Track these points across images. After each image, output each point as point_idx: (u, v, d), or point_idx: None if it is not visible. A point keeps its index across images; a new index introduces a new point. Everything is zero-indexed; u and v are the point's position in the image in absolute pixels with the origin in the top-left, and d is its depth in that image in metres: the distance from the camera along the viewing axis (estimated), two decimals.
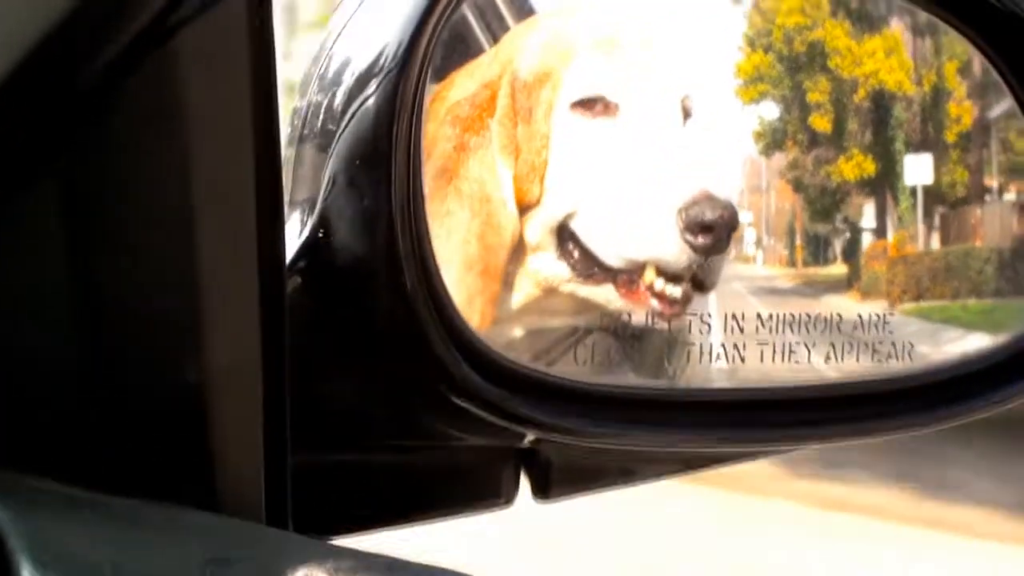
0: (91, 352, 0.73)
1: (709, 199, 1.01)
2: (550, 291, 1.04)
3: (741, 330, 1.02)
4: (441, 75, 1.01)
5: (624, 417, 0.98)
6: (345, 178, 0.90)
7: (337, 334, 0.91)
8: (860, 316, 1.03)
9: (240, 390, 0.75)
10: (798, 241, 1.04)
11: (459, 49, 1.05)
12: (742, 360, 1.02)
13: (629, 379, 1.01)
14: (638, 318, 1.01)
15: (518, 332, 1.03)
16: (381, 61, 0.91)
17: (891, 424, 1.04)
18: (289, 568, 0.56)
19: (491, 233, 1.02)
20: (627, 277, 1.02)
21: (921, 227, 0.98)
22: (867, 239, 1.03)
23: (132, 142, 0.72)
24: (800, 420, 1.02)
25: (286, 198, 0.94)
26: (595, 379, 0.99)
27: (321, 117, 0.94)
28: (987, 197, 0.97)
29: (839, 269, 1.03)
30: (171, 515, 0.68)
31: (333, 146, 0.91)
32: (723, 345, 1.02)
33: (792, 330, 1.02)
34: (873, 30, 0.97)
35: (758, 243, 1.08)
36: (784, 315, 1.02)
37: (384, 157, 0.88)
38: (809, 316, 1.03)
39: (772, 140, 1.00)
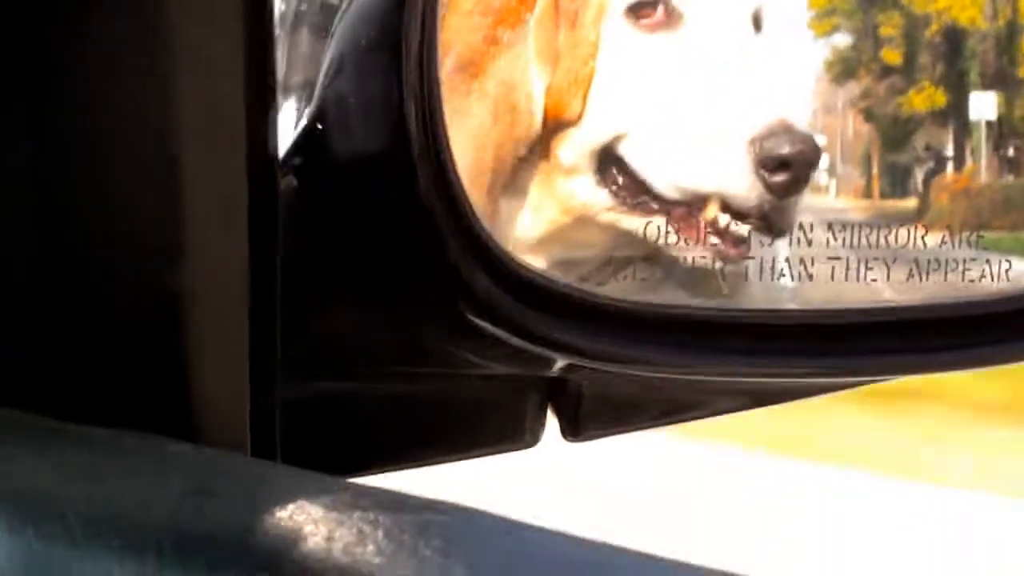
0: (56, 259, 0.73)
1: (787, 130, 1.01)
2: (583, 220, 1.03)
3: (809, 243, 1.02)
4: None
5: (671, 340, 0.97)
6: (348, 62, 0.90)
7: (337, 241, 0.91)
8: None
9: (225, 303, 0.76)
10: (874, 171, 1.09)
11: None
12: (810, 278, 1.01)
13: (678, 298, 1.01)
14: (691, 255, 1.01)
15: (539, 263, 1.02)
16: None
17: (994, 352, 1.03)
18: (280, 501, 0.56)
19: (508, 147, 1.02)
20: (684, 210, 1.02)
21: (994, 160, 1.06)
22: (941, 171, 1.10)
23: (102, 10, 0.72)
24: (883, 347, 1.01)
25: (279, 82, 0.94)
26: (637, 297, 0.99)
27: None
28: None
29: (912, 201, 1.11)
30: (150, 445, 0.68)
31: (335, 25, 0.90)
32: (787, 260, 1.02)
33: (869, 242, 1.02)
34: None
35: (831, 171, 1.07)
36: (859, 227, 1.02)
37: (394, 37, 0.87)
38: (886, 240, 1.02)
39: (844, 69, 1.07)
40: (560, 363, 0.97)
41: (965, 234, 1.04)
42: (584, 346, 0.93)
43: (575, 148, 1.02)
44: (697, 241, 1.01)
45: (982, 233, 1.04)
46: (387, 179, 0.89)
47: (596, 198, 1.03)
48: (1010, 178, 1.08)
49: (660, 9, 1.04)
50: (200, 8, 0.73)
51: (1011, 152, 1.08)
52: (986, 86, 1.07)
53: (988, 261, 1.02)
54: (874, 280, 1.01)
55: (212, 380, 0.76)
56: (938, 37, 1.07)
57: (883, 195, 1.10)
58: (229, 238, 0.75)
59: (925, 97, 1.06)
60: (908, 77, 1.06)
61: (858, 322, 1.00)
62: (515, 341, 0.91)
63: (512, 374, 0.99)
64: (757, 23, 1.06)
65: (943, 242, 1.03)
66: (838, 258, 1.01)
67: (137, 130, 0.73)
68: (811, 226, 1.01)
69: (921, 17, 1.07)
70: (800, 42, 1.07)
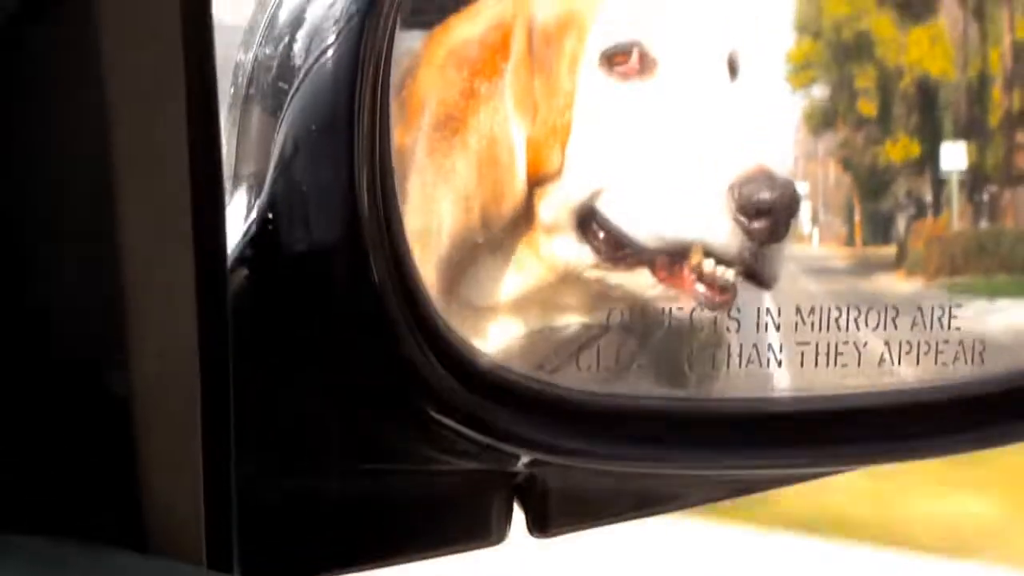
0: None
1: (766, 176, 1.01)
2: (567, 278, 1.04)
3: (777, 327, 1.02)
4: (427, 23, 1.02)
5: (638, 434, 0.97)
6: (299, 148, 0.90)
7: (291, 337, 0.91)
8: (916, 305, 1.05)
9: (175, 405, 0.75)
10: (857, 218, 1.11)
11: None
12: (779, 364, 1.02)
13: (644, 388, 1.01)
14: (668, 309, 1.01)
15: (518, 327, 1.03)
16: (340, 6, 0.90)
17: (962, 439, 1.05)
18: None
19: (494, 205, 1.03)
20: (667, 259, 1.03)
21: (968, 207, 1.11)
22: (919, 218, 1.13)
23: (43, 99, 0.72)
24: (858, 435, 1.02)
25: (228, 172, 0.95)
26: (602, 388, 0.99)
27: (270, 74, 0.94)
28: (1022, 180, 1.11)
29: (893, 248, 1.12)
30: (96, 557, 0.68)
31: (284, 109, 0.91)
32: (755, 345, 1.02)
33: (838, 326, 1.03)
34: (918, 20, 1.09)
35: (814, 219, 1.09)
36: (829, 308, 1.03)
37: (346, 121, 0.87)
38: (859, 309, 1.03)
39: (822, 120, 1.09)
40: (525, 458, 0.97)
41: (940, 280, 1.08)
42: (549, 442, 0.93)
43: (555, 205, 1.03)
44: (683, 290, 1.02)
45: (955, 279, 1.09)
46: (341, 270, 0.89)
47: (579, 255, 1.04)
48: (984, 224, 1.13)
49: (634, 56, 1.05)
50: (143, 96, 0.73)
51: (985, 198, 1.12)
52: (960, 135, 1.12)
53: (961, 342, 1.04)
54: (845, 365, 1.02)
55: (163, 484, 0.76)
56: (911, 88, 1.11)
57: (866, 242, 1.12)
58: (178, 336, 0.75)
59: (900, 148, 1.11)
60: (884, 127, 1.11)
61: (832, 409, 1.01)
62: (477, 437, 0.91)
63: (476, 470, 0.99)
64: (733, 69, 1.08)
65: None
66: (807, 343, 1.02)
67: (79, 225, 0.73)
68: (779, 310, 1.02)
69: (894, 69, 1.11)
70: (779, 94, 1.08)
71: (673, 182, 1.02)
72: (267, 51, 0.95)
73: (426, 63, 1.02)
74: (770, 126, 1.08)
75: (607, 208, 1.03)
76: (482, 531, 1.02)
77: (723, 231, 1.01)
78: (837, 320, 1.02)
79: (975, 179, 1.12)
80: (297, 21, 0.93)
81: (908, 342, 1.04)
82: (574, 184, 1.03)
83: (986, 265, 1.11)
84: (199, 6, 0.74)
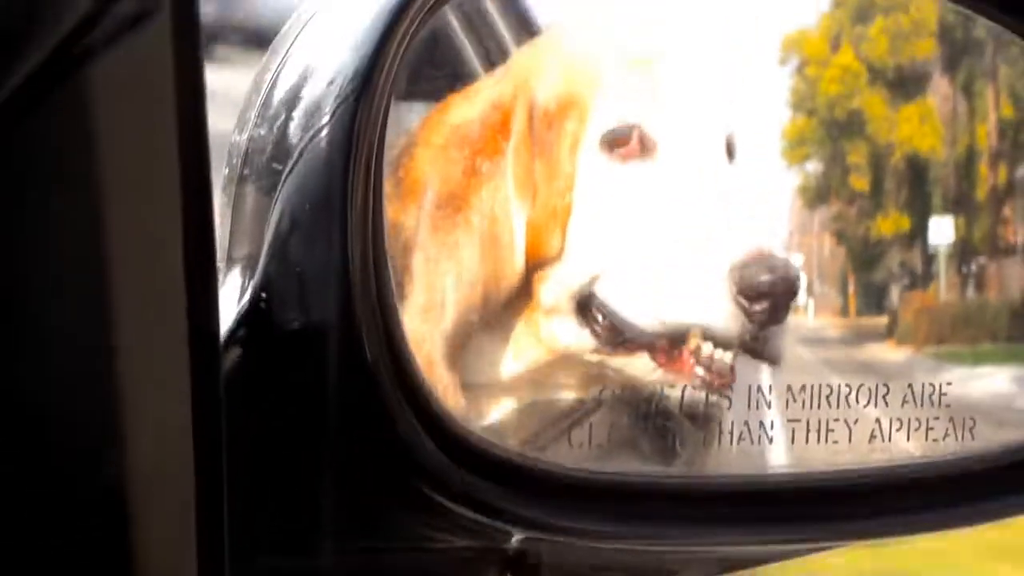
0: None
1: (766, 259, 1.03)
2: (567, 359, 1.05)
3: (768, 405, 1.03)
4: (432, 97, 1.03)
5: (630, 511, 0.98)
6: (293, 228, 0.91)
7: (285, 416, 0.92)
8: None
9: (170, 487, 0.76)
10: (851, 289, 1.17)
11: (445, 68, 1.07)
12: (770, 441, 1.03)
13: (635, 466, 1.02)
14: (667, 391, 1.02)
15: (513, 403, 1.03)
16: (335, 87, 0.91)
17: (956, 514, 1.05)
18: None
19: (495, 283, 1.04)
20: (667, 344, 1.03)
21: (957, 278, 1.17)
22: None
23: (35, 191, 0.72)
24: (829, 513, 1.03)
25: (222, 254, 0.95)
26: (594, 467, 1.00)
27: (264, 155, 0.95)
28: (1007, 252, 1.18)
29: (884, 319, 1.18)
30: None
31: (278, 189, 0.92)
32: (746, 422, 1.03)
33: (829, 403, 1.04)
34: (909, 99, 1.15)
35: (809, 290, 1.10)
36: (820, 386, 1.04)
37: (340, 201, 0.89)
38: (850, 386, 1.04)
39: (816, 194, 1.15)
40: (517, 536, 0.97)
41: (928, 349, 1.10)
42: (541, 520, 0.94)
43: (555, 289, 1.04)
44: (682, 374, 1.02)
45: (943, 347, 1.14)
46: (334, 350, 0.90)
47: (579, 339, 1.05)
48: (971, 295, 1.18)
49: (634, 138, 1.06)
50: (137, 183, 0.73)
51: (973, 270, 1.17)
52: (948, 210, 1.17)
53: (952, 419, 1.04)
54: (836, 442, 1.03)
55: (159, 568, 0.76)
56: (902, 164, 1.15)
57: (860, 313, 1.17)
58: (172, 418, 0.75)
59: (891, 222, 1.16)
60: (875, 202, 1.16)
61: (823, 486, 1.02)
62: (470, 515, 0.91)
63: (469, 547, 0.99)
64: (730, 151, 1.09)
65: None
66: (798, 420, 1.03)
67: (74, 312, 0.73)
68: (770, 388, 1.03)
69: (885, 146, 1.15)
70: (774, 169, 1.10)
71: (673, 265, 1.03)
72: (261, 132, 0.96)
73: (423, 142, 1.03)
74: (767, 203, 1.10)
75: (607, 292, 1.04)
76: None
77: (724, 314, 1.02)
78: (828, 397, 1.03)
79: (963, 252, 1.17)
80: (292, 102, 0.94)
81: (899, 419, 1.05)
82: (575, 267, 1.04)
83: (972, 334, 1.15)
84: (193, 89, 0.74)
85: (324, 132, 0.91)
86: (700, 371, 1.03)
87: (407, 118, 1.07)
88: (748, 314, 1.02)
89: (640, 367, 1.03)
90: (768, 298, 1.02)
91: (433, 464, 0.91)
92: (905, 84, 1.17)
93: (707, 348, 1.03)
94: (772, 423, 1.03)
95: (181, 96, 0.74)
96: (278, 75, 0.97)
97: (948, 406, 1.06)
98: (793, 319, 1.05)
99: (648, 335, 1.04)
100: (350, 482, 0.93)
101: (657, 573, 1.09)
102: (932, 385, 1.06)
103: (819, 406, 1.03)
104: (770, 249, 1.04)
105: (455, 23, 1.13)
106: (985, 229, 1.18)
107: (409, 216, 1.02)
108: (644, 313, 1.04)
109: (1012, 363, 1.13)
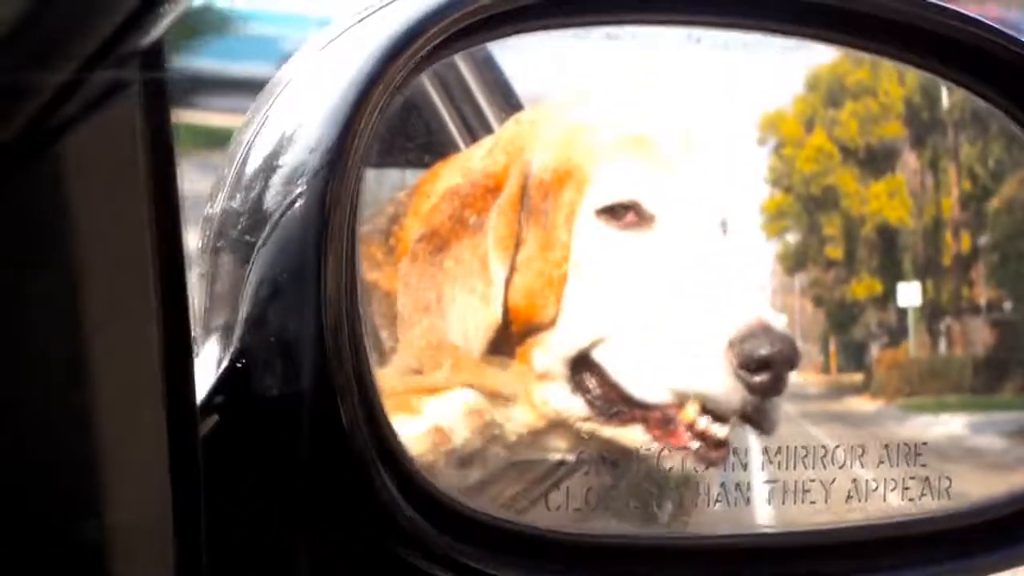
0: None
1: (766, 330, 1.05)
2: (558, 425, 1.06)
3: (744, 467, 1.04)
4: (416, 163, 1.05)
5: (613, 572, 0.99)
6: (268, 297, 0.92)
7: (263, 481, 0.93)
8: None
9: (149, 552, 0.76)
10: (832, 348, 1.22)
11: (419, 138, 1.08)
12: (747, 502, 1.04)
13: (613, 526, 1.03)
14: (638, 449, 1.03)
15: (494, 466, 1.04)
16: (307, 158, 0.93)
17: (943, 571, 1.06)
18: None
19: (468, 329, 1.04)
20: (660, 415, 1.05)
21: (927, 336, 1.24)
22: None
23: (9, 264, 0.73)
24: (822, 571, 1.04)
25: (199, 322, 0.97)
26: (571, 528, 1.00)
27: (238, 226, 0.96)
28: (973, 312, 1.27)
29: (860, 375, 1.23)
30: None
31: (252, 259, 0.93)
32: (722, 484, 1.04)
33: (804, 464, 1.05)
34: (879, 176, 1.23)
35: None
36: (795, 448, 1.05)
37: (313, 271, 0.90)
38: (826, 448, 1.06)
39: (795, 262, 1.20)
40: None
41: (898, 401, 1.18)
42: None
43: (549, 354, 1.05)
44: (678, 446, 1.03)
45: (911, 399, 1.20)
46: (310, 416, 0.91)
47: (571, 406, 1.06)
48: (939, 352, 1.25)
49: (632, 212, 1.08)
50: (111, 254, 0.74)
51: (942, 328, 1.25)
52: (918, 274, 1.25)
53: (927, 479, 1.06)
54: (813, 503, 1.04)
55: None
56: (873, 234, 1.22)
57: (840, 369, 1.22)
58: (150, 484, 0.76)
59: (864, 287, 1.22)
60: (850, 268, 1.22)
61: (800, 545, 1.03)
62: (442, 574, 0.92)
63: None
64: (723, 225, 1.11)
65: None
66: (775, 481, 1.04)
67: (50, 386, 0.74)
68: (746, 451, 1.04)
69: (858, 218, 1.21)
70: (757, 240, 1.13)
71: (672, 336, 1.05)
72: (234, 204, 0.97)
73: (414, 212, 1.05)
74: (754, 271, 1.12)
75: (604, 359, 1.05)
76: None
77: (724, 386, 1.04)
78: (804, 459, 1.04)
79: (933, 312, 1.24)
80: (264, 173, 0.96)
81: (875, 479, 1.06)
82: (571, 333, 1.05)
83: (938, 387, 1.24)
84: (165, 170, 0.75)
85: (297, 203, 0.92)
86: (696, 444, 1.03)
87: (388, 182, 1.08)
88: (750, 386, 1.04)
89: (633, 438, 1.04)
90: (769, 369, 1.04)
91: (412, 528, 0.91)
92: (875, 162, 1.25)
93: (704, 421, 1.04)
94: (749, 484, 1.04)
95: (154, 167, 0.74)
96: (250, 147, 0.98)
97: (907, 445, 1.08)
98: None
99: (643, 406, 1.05)
100: (327, 544, 0.94)
101: None
102: (908, 446, 1.07)
103: (795, 467, 1.05)
104: (768, 320, 1.06)
105: (432, 91, 1.15)
106: (951, 291, 1.26)
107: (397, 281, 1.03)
108: (642, 382, 1.05)
109: (969, 411, 1.20)
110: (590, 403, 1.06)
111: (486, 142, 1.12)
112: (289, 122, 0.97)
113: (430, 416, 1.02)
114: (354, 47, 0.97)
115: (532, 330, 1.05)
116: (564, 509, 1.01)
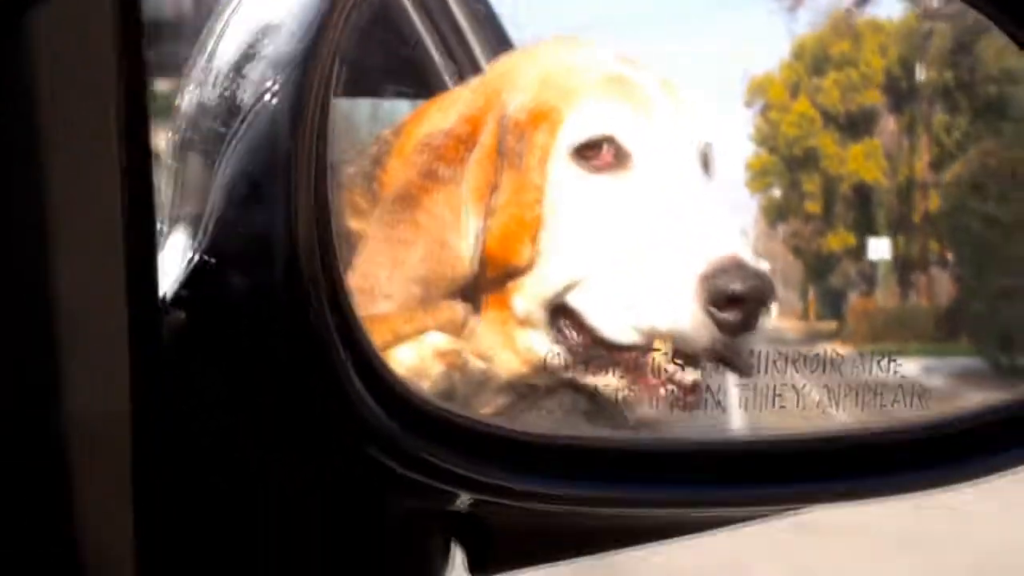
0: None
1: (739, 266, 1.05)
2: (542, 371, 1.07)
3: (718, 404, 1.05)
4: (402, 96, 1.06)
5: (581, 474, 0.99)
6: (238, 191, 0.92)
7: (230, 377, 0.93)
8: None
9: (106, 445, 0.77)
10: (811, 296, 1.31)
11: (397, 67, 1.09)
12: (718, 405, 1.04)
13: (584, 429, 1.03)
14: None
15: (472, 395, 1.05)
16: (282, 49, 0.92)
17: (905, 481, 1.06)
18: None
19: (439, 284, 1.04)
20: (633, 361, 1.05)
21: (897, 288, 1.36)
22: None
23: None
24: (795, 476, 1.03)
25: (166, 213, 0.96)
26: (541, 429, 1.01)
27: (210, 117, 0.96)
28: (940, 265, 1.38)
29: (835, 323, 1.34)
30: None
31: (225, 153, 0.93)
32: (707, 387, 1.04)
33: (777, 369, 1.05)
34: (857, 139, 1.35)
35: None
36: (768, 352, 1.05)
37: (285, 164, 0.89)
38: (801, 355, 1.06)
39: (777, 215, 1.30)
40: (464, 498, 0.98)
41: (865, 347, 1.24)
42: (483, 480, 0.95)
43: (529, 298, 1.05)
44: (651, 394, 1.04)
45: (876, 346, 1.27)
46: (280, 312, 0.91)
47: (553, 354, 1.07)
48: (907, 303, 1.37)
49: (607, 149, 1.07)
50: (72, 139, 0.74)
51: (911, 280, 1.35)
52: (891, 229, 1.37)
53: (901, 385, 1.06)
54: (783, 407, 1.04)
55: (98, 519, 0.77)
56: (849, 192, 1.33)
57: (819, 317, 1.31)
58: (112, 375, 0.76)
59: (840, 239, 1.35)
60: (827, 222, 1.34)
61: (769, 450, 1.03)
62: (414, 476, 0.93)
63: (415, 508, 1.01)
64: (706, 163, 1.10)
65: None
66: (746, 385, 1.04)
67: (11, 272, 0.74)
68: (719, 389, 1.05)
69: (836, 177, 1.31)
70: (740, 195, 1.16)
71: (645, 274, 1.05)
72: (206, 96, 0.97)
73: (398, 153, 1.05)
74: (736, 217, 1.13)
75: (579, 303, 1.06)
76: (421, 571, 1.03)
77: (692, 322, 1.04)
78: (776, 363, 1.04)
79: (904, 265, 1.34)
80: (238, 65, 0.95)
81: (848, 385, 1.06)
82: (547, 277, 1.06)
83: (902, 335, 1.35)
84: (134, 52, 0.75)
85: (271, 95, 0.91)
86: (669, 388, 1.04)
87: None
88: (718, 323, 1.04)
89: (611, 384, 1.05)
90: (739, 306, 1.04)
91: (380, 426, 0.91)
92: (854, 127, 1.38)
93: (671, 367, 1.04)
94: (720, 388, 1.05)
95: (122, 50, 0.74)
96: (222, 39, 0.98)
97: (866, 383, 1.09)
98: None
99: (622, 346, 1.05)
100: (295, 444, 0.94)
101: (607, 537, 1.10)
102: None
103: (767, 372, 1.05)
104: (742, 257, 1.06)
105: (421, 27, 1.15)
106: (920, 246, 1.37)
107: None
108: (616, 323, 1.05)
109: (927, 356, 1.26)
110: (570, 350, 1.07)
111: (473, 82, 1.12)
112: (262, 16, 0.97)
113: (402, 360, 1.02)
114: None
115: (510, 274, 1.06)
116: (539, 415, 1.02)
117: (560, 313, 1.07)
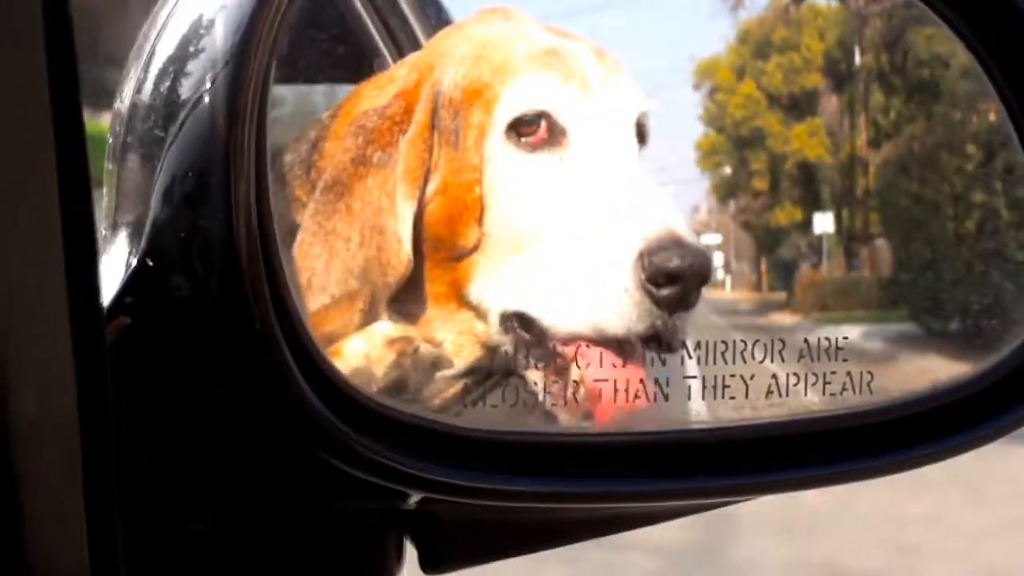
0: None
1: (677, 243, 1.03)
2: (492, 357, 1.07)
3: (663, 362, 1.05)
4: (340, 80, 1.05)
5: (530, 469, 0.99)
6: (178, 193, 0.92)
7: (176, 380, 0.93)
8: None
9: (55, 448, 0.76)
10: (763, 268, 1.30)
11: (337, 51, 1.08)
12: (666, 398, 1.05)
13: (531, 423, 1.03)
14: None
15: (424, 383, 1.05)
16: (216, 51, 0.92)
17: (859, 467, 1.06)
18: None
19: (378, 271, 1.04)
20: (554, 370, 1.05)
21: (843, 259, 1.38)
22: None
23: None
24: (733, 467, 1.04)
25: (106, 217, 0.96)
26: (490, 425, 1.01)
27: (147, 121, 0.96)
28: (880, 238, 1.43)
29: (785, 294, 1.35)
30: None
31: (162, 155, 0.93)
32: (642, 381, 1.04)
33: (725, 359, 1.05)
34: (800, 119, 1.36)
35: (727, 268, 1.15)
36: (715, 342, 1.05)
37: (223, 164, 0.89)
38: (746, 343, 1.06)
39: (727, 191, 1.31)
40: (414, 496, 0.98)
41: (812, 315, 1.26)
42: (432, 478, 0.95)
43: (477, 283, 1.06)
44: (566, 407, 1.04)
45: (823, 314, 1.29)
46: (222, 315, 0.91)
47: (501, 343, 1.08)
48: (852, 274, 1.45)
49: (543, 126, 1.07)
50: (4, 146, 0.73)
51: (855, 252, 1.42)
52: (835, 204, 1.44)
53: (849, 373, 1.06)
54: (733, 398, 1.04)
55: (48, 523, 0.76)
56: (794, 169, 1.39)
57: (772, 288, 1.33)
58: (56, 382, 0.76)
59: (787, 214, 1.45)
60: (774, 198, 1.40)
61: (721, 440, 1.03)
62: (363, 476, 0.93)
63: (366, 508, 1.01)
64: (642, 135, 1.10)
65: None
66: (694, 377, 1.05)
67: None
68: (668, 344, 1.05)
69: (781, 155, 1.34)
70: (690, 173, 1.17)
71: (582, 255, 1.04)
72: (143, 97, 0.97)
73: (333, 136, 1.05)
74: (679, 193, 1.13)
75: (523, 292, 1.05)
76: (374, 570, 1.04)
77: (630, 303, 1.04)
78: (723, 354, 1.04)
79: (849, 237, 1.35)
80: (173, 69, 0.95)
81: (796, 374, 1.06)
82: (492, 260, 1.05)
83: (848, 303, 1.39)
84: (65, 56, 0.74)
85: (206, 98, 0.91)
86: (582, 405, 1.04)
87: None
88: (656, 300, 1.03)
89: (551, 379, 1.05)
90: (678, 283, 1.03)
91: (325, 426, 0.91)
92: (797, 107, 1.48)
93: (589, 379, 1.04)
94: (668, 380, 1.05)
95: (53, 52, 0.74)
96: (157, 43, 0.98)
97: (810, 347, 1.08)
98: (713, 293, 1.07)
99: (561, 336, 1.06)
100: (240, 446, 0.94)
101: (557, 531, 1.10)
102: (828, 340, 1.08)
103: (714, 363, 1.05)
104: (680, 233, 1.04)
105: (359, 5, 1.15)
106: (863, 220, 1.42)
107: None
108: (558, 312, 1.05)
109: (868, 323, 1.33)
110: (516, 342, 1.08)
111: (408, 59, 1.12)
112: (196, 18, 0.96)
113: (352, 351, 1.02)
114: None
115: (457, 256, 1.05)
116: (482, 408, 1.02)
117: (507, 301, 1.07)
